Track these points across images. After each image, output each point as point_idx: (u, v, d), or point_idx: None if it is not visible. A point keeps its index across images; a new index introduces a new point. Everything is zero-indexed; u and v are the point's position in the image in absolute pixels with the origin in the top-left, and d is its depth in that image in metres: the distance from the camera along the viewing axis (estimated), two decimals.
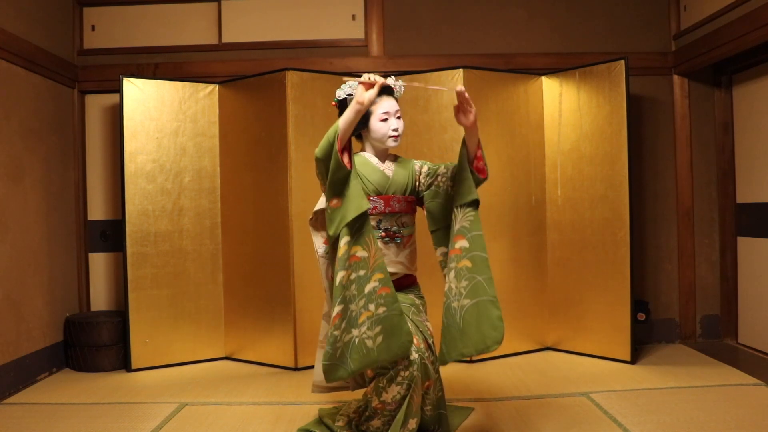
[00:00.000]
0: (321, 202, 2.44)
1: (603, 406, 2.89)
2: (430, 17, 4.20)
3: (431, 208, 2.47)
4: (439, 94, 3.73)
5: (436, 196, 2.45)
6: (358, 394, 2.67)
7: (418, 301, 2.47)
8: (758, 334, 3.86)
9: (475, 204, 2.37)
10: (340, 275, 2.14)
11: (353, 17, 4.21)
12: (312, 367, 3.51)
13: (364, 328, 2.14)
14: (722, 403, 2.89)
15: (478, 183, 2.40)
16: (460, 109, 2.27)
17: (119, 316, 3.84)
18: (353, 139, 2.35)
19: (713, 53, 3.70)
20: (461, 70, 3.69)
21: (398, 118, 2.38)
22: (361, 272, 2.16)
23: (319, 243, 2.50)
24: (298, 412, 2.92)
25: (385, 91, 2.36)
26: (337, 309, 2.13)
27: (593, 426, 2.66)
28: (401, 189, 2.43)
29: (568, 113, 3.85)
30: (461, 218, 2.35)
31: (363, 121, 2.34)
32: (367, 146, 2.45)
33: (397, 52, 4.17)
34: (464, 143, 2.38)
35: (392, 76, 2.41)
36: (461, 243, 2.32)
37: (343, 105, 2.40)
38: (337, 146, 2.14)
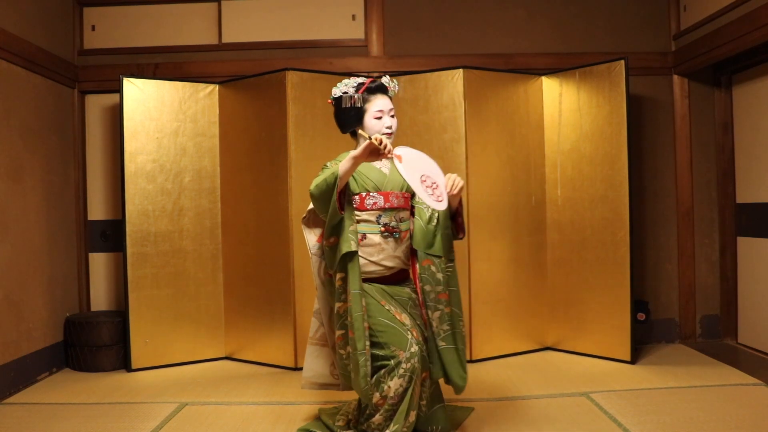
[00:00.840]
0: None
1: (603, 406, 2.89)
2: (430, 17, 4.20)
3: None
4: (439, 94, 3.73)
5: (420, 215, 2.49)
6: (354, 394, 2.66)
7: (414, 295, 2.51)
8: (758, 334, 3.86)
9: (453, 260, 2.50)
10: (336, 306, 2.36)
11: (353, 17, 4.21)
12: None
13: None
14: (722, 403, 2.89)
15: (454, 238, 2.52)
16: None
17: (119, 316, 3.84)
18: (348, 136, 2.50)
19: (713, 53, 3.70)
20: (461, 70, 3.69)
21: (392, 116, 2.43)
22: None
23: (312, 241, 2.54)
24: (298, 412, 2.92)
25: (379, 89, 2.42)
26: (338, 333, 2.37)
27: (593, 426, 2.66)
28: (398, 186, 2.48)
29: (568, 113, 3.85)
30: (436, 270, 2.45)
31: (358, 119, 2.41)
32: (360, 144, 2.46)
33: (397, 52, 4.17)
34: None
35: (386, 76, 2.47)
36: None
37: (338, 103, 2.45)
38: (335, 196, 2.23)
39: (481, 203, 3.74)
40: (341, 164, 2.23)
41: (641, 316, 3.97)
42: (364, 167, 2.45)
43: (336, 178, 2.20)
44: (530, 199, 3.92)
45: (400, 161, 2.24)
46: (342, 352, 2.35)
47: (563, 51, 4.16)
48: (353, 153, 2.23)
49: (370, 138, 2.20)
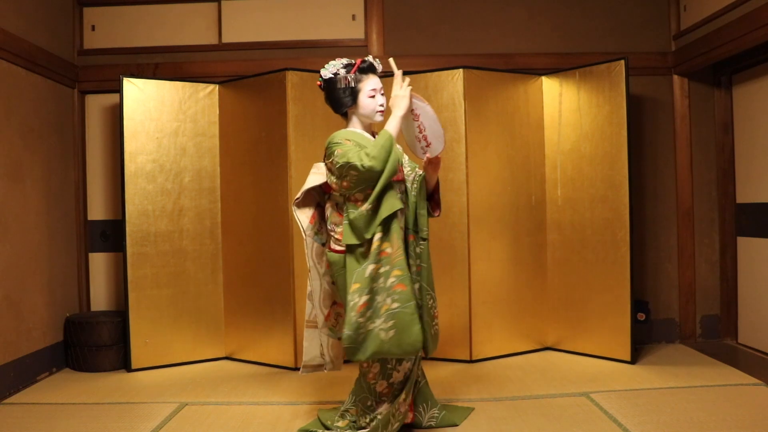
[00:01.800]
0: (311, 181, 2.56)
1: (603, 406, 2.89)
2: (430, 17, 4.20)
3: None
4: (439, 94, 3.73)
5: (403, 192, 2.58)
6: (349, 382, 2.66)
7: None
8: (758, 334, 3.86)
9: (426, 238, 2.58)
10: (369, 268, 2.32)
11: (353, 17, 4.21)
12: None
13: (381, 320, 2.31)
14: (722, 403, 2.89)
15: (430, 216, 2.63)
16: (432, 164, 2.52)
17: (119, 316, 3.84)
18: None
19: (713, 53, 3.70)
20: (461, 70, 3.69)
21: (382, 94, 2.51)
22: (387, 267, 2.33)
23: (305, 222, 2.59)
24: (298, 412, 2.92)
25: (370, 69, 2.50)
26: (364, 298, 2.30)
27: (593, 426, 2.66)
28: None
29: (568, 113, 3.85)
30: (415, 245, 2.56)
31: (352, 99, 2.48)
32: (354, 122, 2.55)
33: (397, 52, 4.17)
34: (424, 178, 2.58)
35: (370, 56, 2.55)
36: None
37: (329, 84, 2.50)
38: (394, 156, 2.34)
39: (481, 203, 3.74)
40: (390, 127, 2.38)
41: (641, 316, 3.97)
42: (366, 141, 2.48)
43: (392, 140, 2.35)
44: (530, 199, 3.92)
45: (418, 119, 2.50)
46: (361, 320, 2.30)
47: (563, 51, 4.16)
48: (397, 113, 2.40)
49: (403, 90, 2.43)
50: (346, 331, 2.30)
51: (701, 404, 2.88)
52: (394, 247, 2.35)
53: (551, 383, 3.28)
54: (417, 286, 2.51)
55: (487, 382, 3.34)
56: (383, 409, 2.44)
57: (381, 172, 2.30)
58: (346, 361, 2.72)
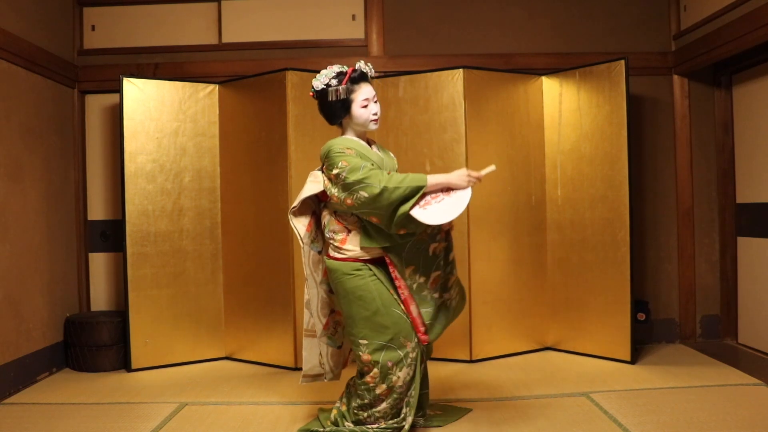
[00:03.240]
0: (308, 190, 2.50)
1: (603, 406, 2.89)
2: (430, 17, 4.20)
3: None
4: (439, 94, 3.74)
5: None
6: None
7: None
8: (758, 334, 3.85)
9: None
10: (432, 246, 2.42)
11: (353, 17, 4.21)
12: None
13: (452, 291, 2.50)
14: (722, 403, 2.89)
15: None
16: None
17: (119, 316, 3.84)
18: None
19: (713, 53, 3.70)
20: (461, 70, 3.69)
21: (376, 102, 2.48)
22: (445, 243, 2.47)
23: (302, 230, 2.57)
24: (298, 412, 2.92)
25: (362, 78, 2.45)
26: (434, 275, 2.43)
27: (593, 426, 2.66)
28: (391, 167, 2.57)
29: (568, 113, 3.85)
30: None
31: (345, 109, 2.44)
32: (349, 132, 2.53)
33: (397, 52, 4.17)
34: None
35: (362, 61, 2.49)
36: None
37: (321, 95, 2.46)
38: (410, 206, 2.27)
39: (481, 203, 3.74)
40: (432, 180, 2.28)
41: (641, 316, 3.97)
42: (368, 151, 2.47)
43: (421, 189, 2.27)
44: (530, 199, 3.92)
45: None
46: (436, 295, 2.46)
47: (563, 51, 4.16)
48: (450, 180, 2.31)
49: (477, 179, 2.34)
50: (431, 310, 2.43)
51: (701, 404, 2.88)
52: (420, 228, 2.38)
53: (551, 383, 3.28)
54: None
55: (487, 382, 3.34)
56: (383, 407, 2.44)
57: (388, 204, 2.25)
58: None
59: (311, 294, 2.58)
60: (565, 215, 3.88)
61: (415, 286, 2.42)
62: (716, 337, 4.18)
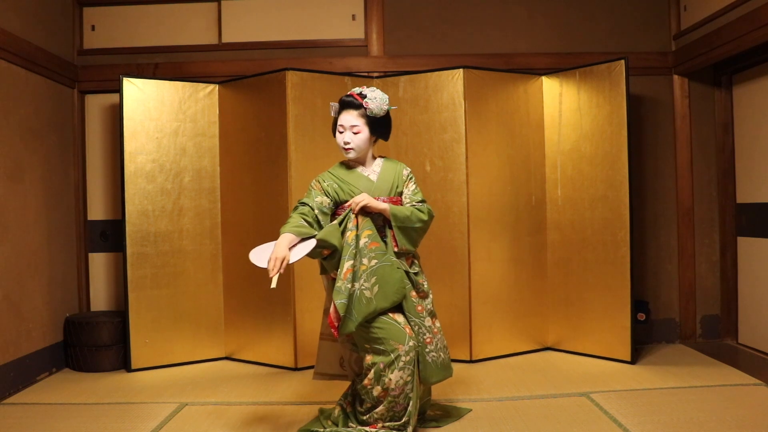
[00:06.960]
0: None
1: (603, 406, 2.89)
2: (430, 17, 4.20)
3: None
4: (439, 94, 3.73)
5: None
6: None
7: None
8: (758, 334, 3.85)
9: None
10: (346, 234, 2.46)
11: (353, 17, 4.21)
12: (312, 367, 3.50)
13: (362, 281, 2.41)
14: (722, 403, 2.89)
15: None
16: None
17: (119, 316, 3.84)
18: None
19: (713, 53, 3.70)
20: (461, 70, 3.69)
21: (355, 133, 2.53)
22: (356, 231, 2.48)
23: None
24: (298, 412, 2.92)
25: (343, 106, 2.56)
26: (347, 265, 2.42)
27: (593, 426, 2.66)
28: (386, 191, 2.60)
29: (568, 113, 3.85)
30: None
31: (333, 132, 2.62)
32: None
33: (397, 52, 4.17)
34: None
35: (366, 88, 2.58)
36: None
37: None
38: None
39: (481, 203, 3.74)
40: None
41: (641, 316, 3.97)
42: (351, 177, 2.59)
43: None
44: (530, 199, 3.92)
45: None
46: (349, 285, 2.41)
47: (563, 51, 4.16)
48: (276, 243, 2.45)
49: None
50: (343, 300, 2.38)
51: (701, 404, 2.88)
52: (356, 220, 2.49)
53: (551, 383, 3.28)
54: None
55: (487, 382, 3.34)
56: (381, 410, 2.45)
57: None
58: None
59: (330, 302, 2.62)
60: (565, 215, 3.88)
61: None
62: (716, 337, 4.18)
